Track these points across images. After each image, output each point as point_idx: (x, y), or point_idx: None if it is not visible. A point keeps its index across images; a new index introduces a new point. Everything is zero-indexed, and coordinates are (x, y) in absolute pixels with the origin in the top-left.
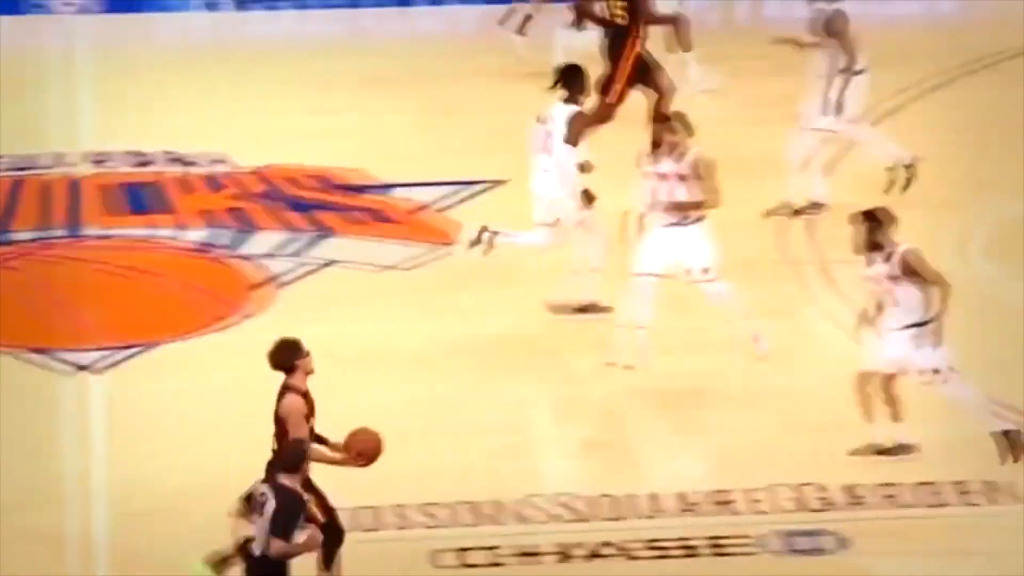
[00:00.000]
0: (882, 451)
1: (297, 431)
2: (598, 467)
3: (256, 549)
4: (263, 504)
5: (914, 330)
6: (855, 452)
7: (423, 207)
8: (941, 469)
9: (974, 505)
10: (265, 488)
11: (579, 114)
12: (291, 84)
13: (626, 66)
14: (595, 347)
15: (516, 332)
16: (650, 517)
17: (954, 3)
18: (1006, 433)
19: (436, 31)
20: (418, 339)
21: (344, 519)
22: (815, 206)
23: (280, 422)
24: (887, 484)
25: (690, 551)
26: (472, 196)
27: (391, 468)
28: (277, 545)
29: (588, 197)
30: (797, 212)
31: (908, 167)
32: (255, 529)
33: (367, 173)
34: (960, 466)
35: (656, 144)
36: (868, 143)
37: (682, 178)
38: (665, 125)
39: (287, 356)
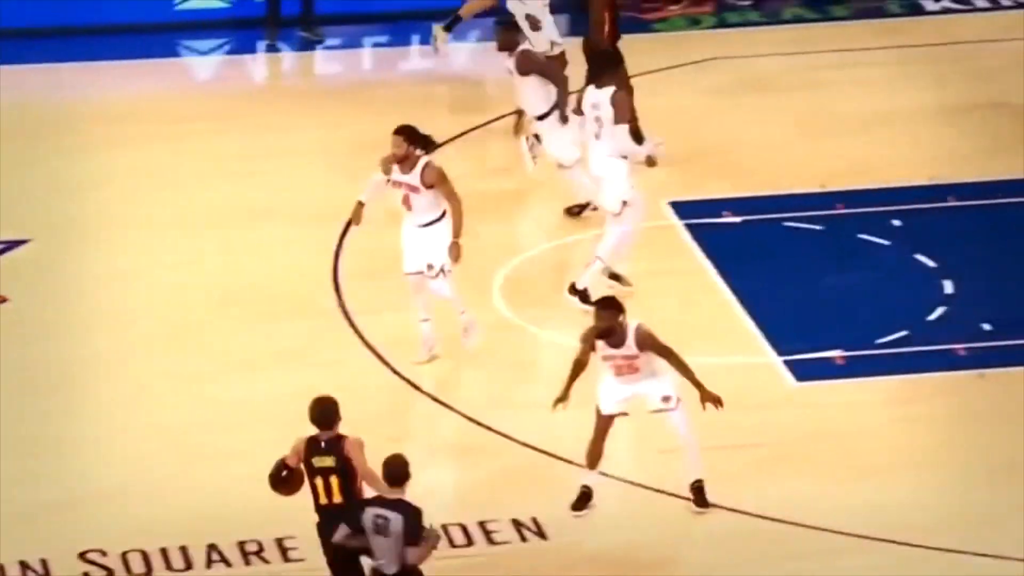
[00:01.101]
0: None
1: (364, 467)
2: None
3: (390, 569)
4: (385, 527)
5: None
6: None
7: None
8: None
9: (500, 544)
10: (380, 511)
11: (618, 92)
12: None
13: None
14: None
15: None
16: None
17: None
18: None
19: None
20: None
21: None
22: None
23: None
24: None
25: None
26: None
27: None
28: (414, 553)
29: None
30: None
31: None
32: (379, 554)
33: None
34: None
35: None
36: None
37: (414, 189)
38: (395, 138)
39: (335, 411)
